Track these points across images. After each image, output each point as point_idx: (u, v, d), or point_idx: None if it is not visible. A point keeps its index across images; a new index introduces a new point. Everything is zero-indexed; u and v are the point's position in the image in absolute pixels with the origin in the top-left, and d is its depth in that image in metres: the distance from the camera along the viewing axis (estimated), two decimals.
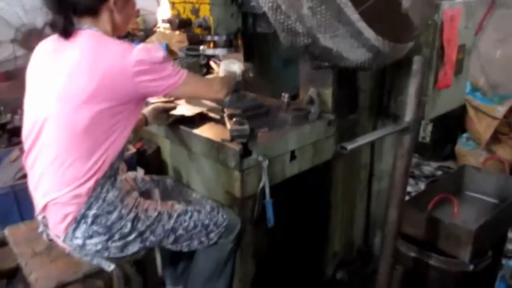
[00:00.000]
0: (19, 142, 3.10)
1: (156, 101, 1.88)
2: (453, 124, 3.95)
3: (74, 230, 1.38)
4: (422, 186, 3.44)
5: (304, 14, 1.36)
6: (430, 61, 1.85)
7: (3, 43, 2.98)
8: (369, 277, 1.95)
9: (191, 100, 1.98)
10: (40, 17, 2.94)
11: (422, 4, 1.56)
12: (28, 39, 2.94)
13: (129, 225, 1.42)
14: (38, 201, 1.43)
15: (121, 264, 1.47)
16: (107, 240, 1.40)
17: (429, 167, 3.91)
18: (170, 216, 1.51)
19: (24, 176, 1.59)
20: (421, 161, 4.03)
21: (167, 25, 1.93)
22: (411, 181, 3.56)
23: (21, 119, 3.78)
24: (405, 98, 1.46)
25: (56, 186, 1.37)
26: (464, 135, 3.86)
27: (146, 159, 2.02)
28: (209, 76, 1.92)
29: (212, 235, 1.59)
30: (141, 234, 1.45)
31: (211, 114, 1.85)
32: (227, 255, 1.65)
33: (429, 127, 4.04)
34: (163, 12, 4.34)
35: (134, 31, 5.71)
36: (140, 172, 2.01)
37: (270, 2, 1.42)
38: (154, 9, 4.96)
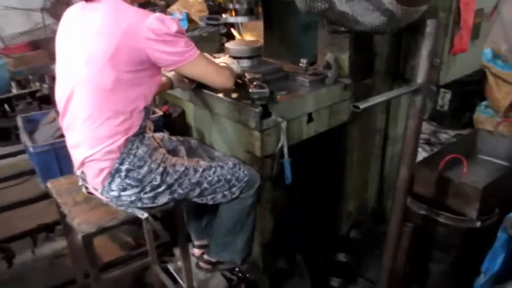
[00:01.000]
0: (49, 108, 3.28)
1: None
2: (472, 92, 3.94)
3: (110, 183, 1.53)
4: None
5: None
6: (446, 25, 1.88)
7: (33, 11, 3.10)
8: (381, 236, 2.06)
9: None
10: None
11: None
12: (56, 7, 3.05)
13: (158, 178, 1.56)
14: (76, 158, 1.58)
15: (153, 213, 1.61)
16: (140, 192, 1.55)
17: (446, 135, 3.93)
18: (195, 171, 1.64)
19: (62, 135, 1.73)
20: (438, 129, 4.06)
21: None
22: (426, 147, 3.61)
23: (49, 88, 3.96)
24: (418, 61, 1.53)
25: (91, 144, 1.50)
26: (483, 103, 3.86)
27: (172, 122, 2.14)
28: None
29: (234, 189, 1.72)
30: (169, 186, 1.59)
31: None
32: (248, 208, 1.79)
33: (448, 96, 4.07)
34: None
35: (155, 0, 5.75)
36: (166, 134, 2.13)
37: None
38: None
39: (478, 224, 1.78)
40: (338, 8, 1.47)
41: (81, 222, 1.51)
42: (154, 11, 5.46)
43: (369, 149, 2.31)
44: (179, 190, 1.62)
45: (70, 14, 1.57)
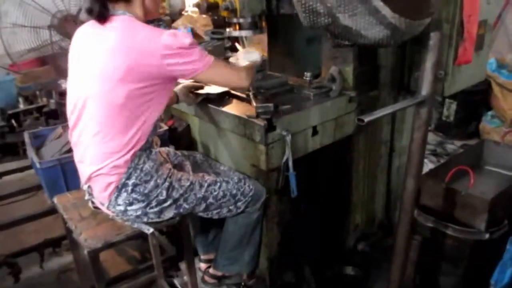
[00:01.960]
0: (56, 123, 3.30)
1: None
2: (477, 102, 3.93)
3: (116, 197, 1.54)
4: None
5: None
6: (450, 36, 1.89)
7: (41, 29, 3.14)
8: (389, 249, 2.04)
9: None
10: (74, 3, 3.09)
11: None
12: (64, 25, 3.08)
13: (164, 193, 1.56)
14: (84, 172, 1.59)
15: (159, 228, 1.61)
16: (146, 206, 1.55)
17: (453, 145, 3.91)
18: (201, 186, 1.65)
19: (69, 150, 1.75)
20: (444, 139, 4.04)
21: (195, 9, 2.04)
22: (433, 158, 3.59)
23: (56, 103, 3.99)
24: (422, 73, 1.53)
25: (99, 158, 1.52)
26: (489, 112, 3.85)
27: (177, 136, 2.15)
28: (232, 61, 2.00)
29: (239, 204, 1.72)
30: (175, 201, 1.59)
31: (238, 93, 1.96)
32: (254, 222, 1.78)
33: (453, 106, 4.06)
34: None
35: (160, 16, 5.83)
36: (171, 148, 2.14)
37: None
38: None
39: (487, 236, 1.77)
40: (342, 23, 1.48)
41: (87, 237, 1.52)
42: (159, 26, 5.54)
43: (375, 160, 2.30)
44: (185, 205, 1.62)
45: (83, 32, 1.59)
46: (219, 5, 1.87)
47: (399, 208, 1.71)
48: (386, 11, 1.39)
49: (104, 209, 1.61)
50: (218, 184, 1.69)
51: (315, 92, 1.89)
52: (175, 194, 1.59)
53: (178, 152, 1.90)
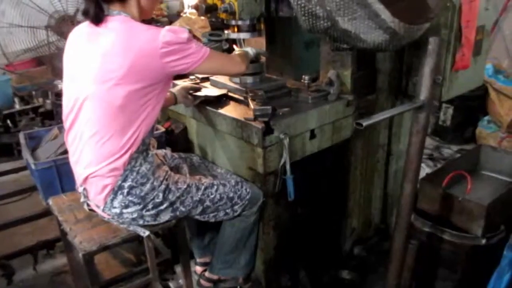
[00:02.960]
0: (51, 124, 3.28)
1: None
2: (474, 107, 3.94)
3: (112, 200, 1.52)
4: None
5: None
6: (448, 42, 1.89)
7: (38, 29, 3.12)
8: (386, 253, 2.04)
9: (216, 83, 2.09)
10: (72, 4, 3.08)
11: None
12: (61, 25, 3.07)
13: (160, 195, 1.55)
14: (79, 174, 1.57)
15: (155, 230, 1.60)
16: (142, 209, 1.54)
17: (449, 150, 3.92)
18: (198, 189, 1.64)
19: (65, 152, 1.73)
20: (441, 144, 4.05)
21: (193, 10, 2.04)
22: (430, 163, 3.59)
23: (52, 103, 3.97)
24: (420, 78, 1.53)
25: (95, 160, 1.50)
26: (486, 118, 3.86)
27: (174, 138, 2.14)
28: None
29: (236, 207, 1.71)
30: (172, 204, 1.58)
31: (235, 95, 1.95)
32: (251, 225, 1.77)
33: (450, 111, 4.08)
34: None
35: (158, 17, 5.83)
36: (168, 150, 2.13)
37: None
38: None
39: (484, 241, 1.77)
40: (341, 26, 1.48)
41: (82, 240, 1.50)
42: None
43: (373, 164, 2.30)
44: (181, 208, 1.61)
45: (78, 32, 1.57)
46: (218, 7, 1.86)
47: (396, 213, 1.71)
48: (385, 15, 1.39)
49: (99, 211, 1.59)
50: (215, 187, 1.68)
51: (313, 96, 1.89)
52: (172, 197, 1.57)
53: (175, 155, 1.89)
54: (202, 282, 1.96)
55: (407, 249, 1.79)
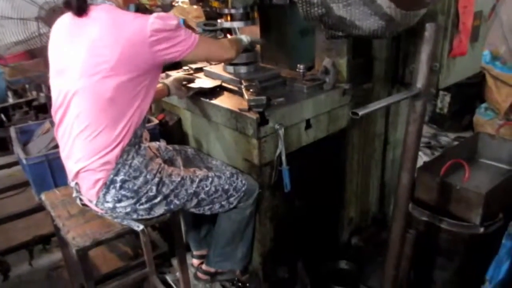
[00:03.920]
0: (45, 117, 3.24)
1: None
2: (472, 94, 3.92)
3: (105, 194, 1.49)
4: None
5: None
6: (445, 28, 1.86)
7: (28, 21, 3.06)
8: (384, 243, 2.03)
9: (210, 74, 2.06)
10: None
11: None
12: (52, 16, 3.01)
13: (154, 189, 1.52)
14: (71, 169, 1.54)
15: (149, 224, 1.58)
16: (135, 203, 1.51)
17: (447, 138, 3.91)
18: (192, 181, 1.61)
19: (56, 146, 1.70)
20: (438, 132, 4.03)
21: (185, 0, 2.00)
22: (427, 151, 3.58)
23: (46, 97, 3.92)
24: (417, 66, 1.50)
25: (87, 155, 1.47)
26: (483, 105, 3.84)
27: (168, 130, 2.11)
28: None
29: (232, 199, 1.69)
30: (166, 197, 1.56)
31: (230, 86, 1.92)
32: (247, 217, 1.75)
33: (447, 98, 4.06)
34: None
35: (151, 7, 5.76)
36: (162, 143, 2.10)
37: None
38: None
39: (482, 230, 1.75)
40: (336, 13, 1.44)
41: (76, 235, 1.48)
42: None
43: (370, 154, 2.28)
44: (176, 201, 1.58)
45: (62, 24, 1.52)
46: None
47: (393, 202, 1.69)
48: (381, 0, 1.36)
49: (92, 206, 1.56)
50: (210, 179, 1.65)
51: (308, 85, 1.86)
52: (166, 190, 1.55)
53: (169, 147, 1.86)
54: (199, 275, 1.95)
55: (405, 238, 1.77)
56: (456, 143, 3.80)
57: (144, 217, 1.56)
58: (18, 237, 2.55)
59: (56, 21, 1.55)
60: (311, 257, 2.14)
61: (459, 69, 2.03)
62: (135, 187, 1.50)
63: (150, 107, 2.30)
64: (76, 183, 1.55)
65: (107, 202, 1.50)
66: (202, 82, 1.95)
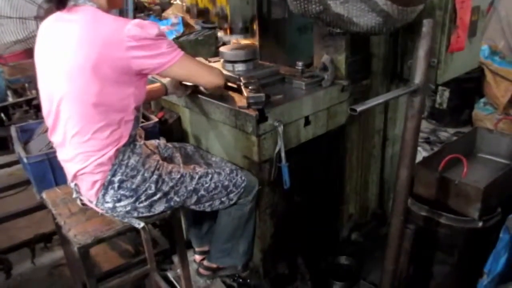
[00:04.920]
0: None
1: None
2: (470, 89, 3.93)
3: (104, 195, 1.50)
4: None
5: None
6: (443, 24, 1.86)
7: (27, 20, 3.08)
8: (383, 238, 2.04)
9: None
10: None
11: None
12: (50, 15, 3.02)
13: (153, 186, 1.53)
14: (69, 170, 1.55)
15: (150, 222, 1.59)
16: (135, 201, 1.52)
17: (446, 133, 3.92)
18: (192, 178, 1.62)
19: None
20: (438, 127, 4.04)
21: None
22: (426, 146, 3.59)
23: None
24: (415, 62, 1.51)
25: (82, 158, 1.47)
26: (482, 100, 3.85)
27: (168, 128, 2.11)
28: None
29: (232, 195, 1.70)
30: (165, 194, 1.57)
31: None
32: (247, 214, 1.76)
33: (446, 94, 4.06)
34: None
35: (150, 5, 5.76)
36: (162, 140, 2.11)
37: None
38: None
39: (480, 224, 1.76)
40: (333, 10, 1.45)
41: (77, 233, 1.49)
42: (149, 16, 5.43)
43: (369, 150, 2.29)
44: (176, 198, 1.59)
45: (45, 27, 1.49)
46: (210, 11, 1.83)
47: (392, 198, 1.70)
48: None
49: (92, 206, 1.57)
50: (210, 175, 1.66)
51: (307, 82, 1.86)
52: (165, 187, 1.56)
53: (169, 144, 1.87)
54: (201, 270, 1.97)
55: (404, 234, 1.79)
56: (455, 138, 3.81)
57: (144, 214, 1.57)
58: (19, 236, 2.57)
59: (41, 25, 1.52)
60: (311, 253, 2.16)
61: (457, 64, 2.04)
62: (134, 186, 1.51)
63: (150, 105, 2.32)
64: (76, 184, 1.56)
65: (107, 202, 1.51)
66: None
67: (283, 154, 1.70)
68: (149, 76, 1.65)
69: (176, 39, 2.61)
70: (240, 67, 1.97)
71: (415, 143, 1.59)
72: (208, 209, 1.71)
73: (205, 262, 1.96)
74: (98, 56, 1.34)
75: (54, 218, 1.64)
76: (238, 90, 1.84)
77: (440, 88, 3.97)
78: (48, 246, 2.56)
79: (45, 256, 2.56)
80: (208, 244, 2.00)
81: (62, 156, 1.56)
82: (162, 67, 1.44)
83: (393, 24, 1.50)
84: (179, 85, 1.88)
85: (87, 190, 1.53)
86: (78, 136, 1.44)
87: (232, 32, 1.91)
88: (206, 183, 1.64)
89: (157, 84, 1.83)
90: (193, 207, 1.68)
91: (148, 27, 1.38)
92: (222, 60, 2.03)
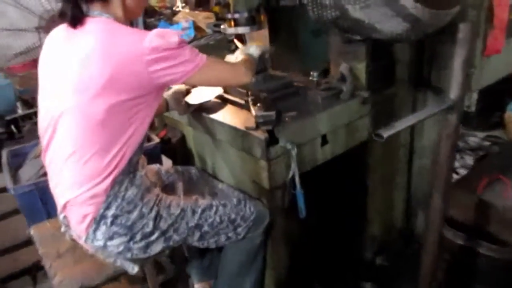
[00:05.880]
0: None
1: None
2: (501, 90, 3.63)
3: (95, 231, 1.33)
4: (468, 160, 3.21)
5: None
6: (478, 24, 1.64)
7: (28, 31, 2.97)
8: (411, 259, 1.83)
9: None
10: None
11: None
12: (51, 26, 2.91)
13: (151, 224, 1.35)
14: (58, 200, 1.39)
15: (146, 264, 1.41)
16: (129, 241, 1.35)
17: (475, 138, 3.64)
18: (194, 212, 1.44)
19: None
20: (465, 131, 3.77)
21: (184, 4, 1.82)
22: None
23: None
24: (448, 71, 1.29)
25: (74, 185, 1.31)
26: None
27: (172, 148, 1.94)
28: (229, 59, 1.77)
29: (239, 229, 1.51)
30: (164, 233, 1.39)
31: (235, 99, 1.73)
32: (256, 247, 1.57)
33: (474, 95, 3.77)
34: None
35: (161, 9, 5.64)
36: (167, 162, 1.94)
37: None
38: None
39: None
40: (352, 15, 1.24)
41: (63, 279, 1.33)
42: (159, 20, 5.29)
43: (394, 165, 2.07)
44: (175, 237, 1.41)
45: (55, 37, 1.38)
46: (210, 0, 1.64)
47: (422, 217, 1.49)
48: (406, 0, 1.14)
49: (82, 242, 1.40)
50: (214, 208, 1.47)
51: (323, 95, 1.65)
52: (163, 225, 1.37)
53: (171, 170, 1.69)
54: None
55: (437, 267, 1.57)
56: (486, 143, 3.54)
57: (139, 256, 1.39)
58: (20, 263, 2.43)
59: (50, 34, 1.42)
60: (332, 280, 1.96)
61: (493, 69, 1.83)
62: (129, 223, 1.33)
63: (153, 122, 2.14)
64: (65, 216, 1.40)
65: (98, 239, 1.33)
66: (204, 96, 1.76)
67: (297, 180, 1.49)
68: None
69: None
70: None
71: (450, 167, 1.38)
72: (213, 246, 1.52)
73: None
74: (113, 70, 1.22)
75: (41, 258, 1.48)
76: (246, 107, 1.64)
77: None
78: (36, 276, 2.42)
79: (47, 283, 2.41)
80: (209, 279, 1.81)
81: (53, 180, 1.40)
82: (186, 75, 1.32)
83: (424, 30, 1.28)
84: (181, 101, 1.70)
85: (77, 223, 1.35)
86: (74, 156, 1.29)
87: (236, 24, 1.73)
88: (210, 217, 1.45)
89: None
90: (196, 244, 1.49)
91: (169, 36, 1.27)
92: (240, 49, 1.83)
